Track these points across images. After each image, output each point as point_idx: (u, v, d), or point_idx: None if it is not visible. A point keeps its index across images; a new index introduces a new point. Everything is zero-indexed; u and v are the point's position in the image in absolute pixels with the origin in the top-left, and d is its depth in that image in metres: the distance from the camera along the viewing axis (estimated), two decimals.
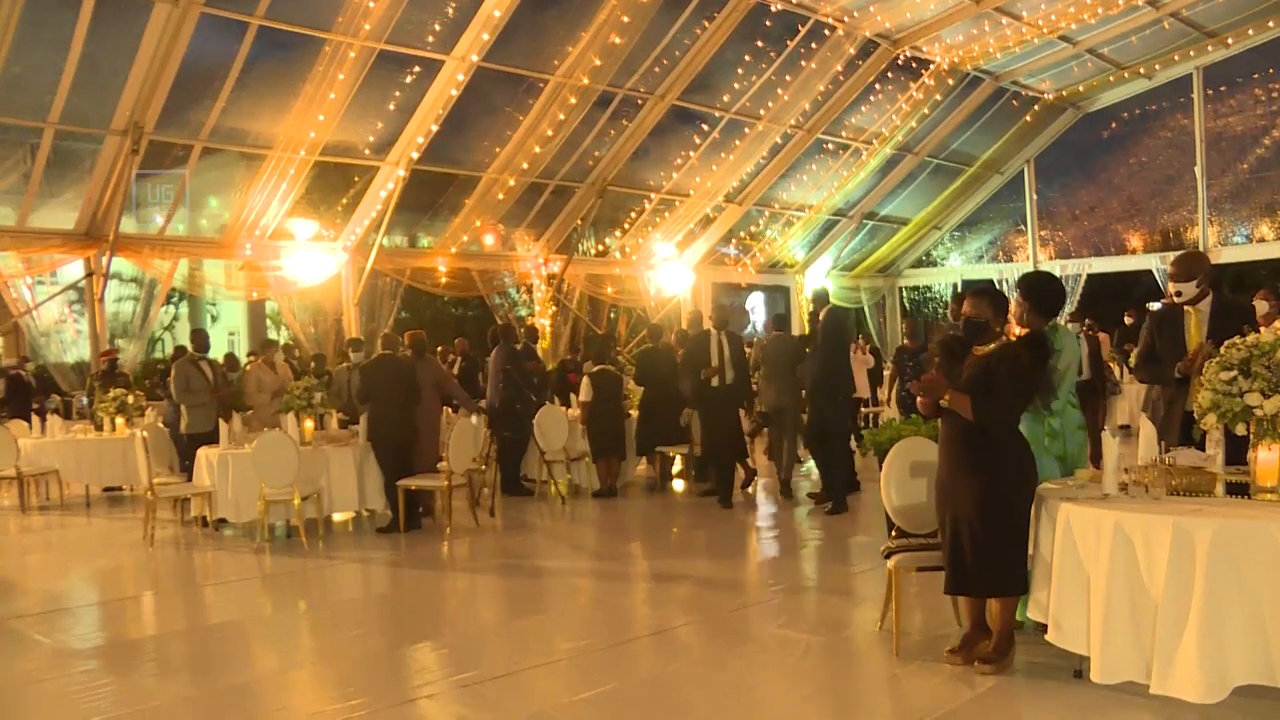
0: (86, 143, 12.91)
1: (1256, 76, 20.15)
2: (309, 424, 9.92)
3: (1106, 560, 4.28)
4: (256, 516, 9.18)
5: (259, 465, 8.93)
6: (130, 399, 12.34)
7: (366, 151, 14.72)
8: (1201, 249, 19.99)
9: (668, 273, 19.74)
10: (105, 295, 13.82)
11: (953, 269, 24.67)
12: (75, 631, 6.69)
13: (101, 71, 12.23)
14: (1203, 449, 4.86)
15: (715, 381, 10.44)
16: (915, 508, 5.69)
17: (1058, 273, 22.17)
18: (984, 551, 4.86)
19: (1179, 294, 5.88)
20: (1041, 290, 5.24)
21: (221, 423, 10.07)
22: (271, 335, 21.21)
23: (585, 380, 11.54)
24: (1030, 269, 22.83)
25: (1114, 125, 22.22)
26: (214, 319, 28.01)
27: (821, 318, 9.91)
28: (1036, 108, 21.56)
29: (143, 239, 14.07)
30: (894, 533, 5.90)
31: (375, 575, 8.08)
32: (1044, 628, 4.73)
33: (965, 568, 4.94)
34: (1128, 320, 17.66)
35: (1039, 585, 4.80)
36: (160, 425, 11.45)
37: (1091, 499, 4.56)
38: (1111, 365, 16.23)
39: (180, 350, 13.26)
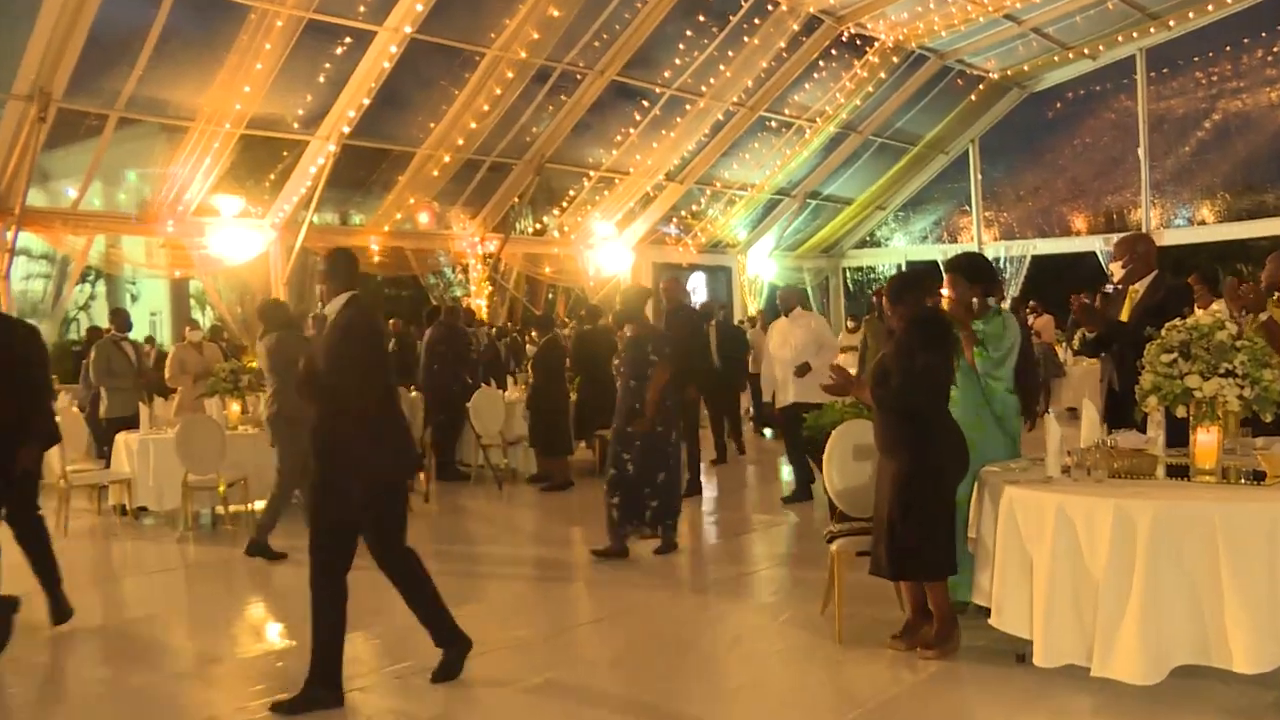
0: None
1: (1197, 60, 20.50)
2: (235, 407, 9.75)
3: (1049, 543, 4.34)
4: (179, 504, 9.00)
5: (183, 451, 8.75)
6: None
7: (295, 125, 14.42)
8: (1144, 231, 20.39)
9: (607, 252, 19.68)
10: (11, 272, 13.37)
11: (897, 249, 24.87)
12: None
13: None
14: (1144, 431, 4.95)
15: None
16: (858, 491, 5.74)
17: (1002, 254, 22.49)
18: (898, 535, 4.94)
19: (1112, 274, 6.07)
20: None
21: (143, 407, 9.85)
22: (196, 316, 20.79)
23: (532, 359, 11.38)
24: (974, 249, 23.15)
25: (1059, 105, 22.49)
26: (134, 299, 27.38)
27: None
28: (981, 87, 21.78)
29: (53, 213, 13.59)
30: (836, 516, 5.95)
31: (304, 565, 7.92)
32: (988, 611, 4.78)
33: (880, 550, 5.03)
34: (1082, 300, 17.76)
35: (981, 568, 4.86)
36: (75, 409, 11.18)
37: (1034, 482, 4.62)
38: (1056, 347, 16.48)
39: (96, 331, 12.93)
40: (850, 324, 15.33)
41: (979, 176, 23.59)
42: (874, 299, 11.13)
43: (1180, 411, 4.50)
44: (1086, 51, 20.96)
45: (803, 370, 9.19)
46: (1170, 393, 4.45)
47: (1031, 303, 17.60)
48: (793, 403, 9.35)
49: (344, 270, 5.05)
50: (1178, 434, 4.78)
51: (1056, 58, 21.14)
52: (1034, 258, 22.49)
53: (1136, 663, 4.08)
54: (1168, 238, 20.75)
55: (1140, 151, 21.15)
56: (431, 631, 5.08)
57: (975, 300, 5.53)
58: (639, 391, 7.52)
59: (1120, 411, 5.44)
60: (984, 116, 22.91)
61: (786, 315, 9.74)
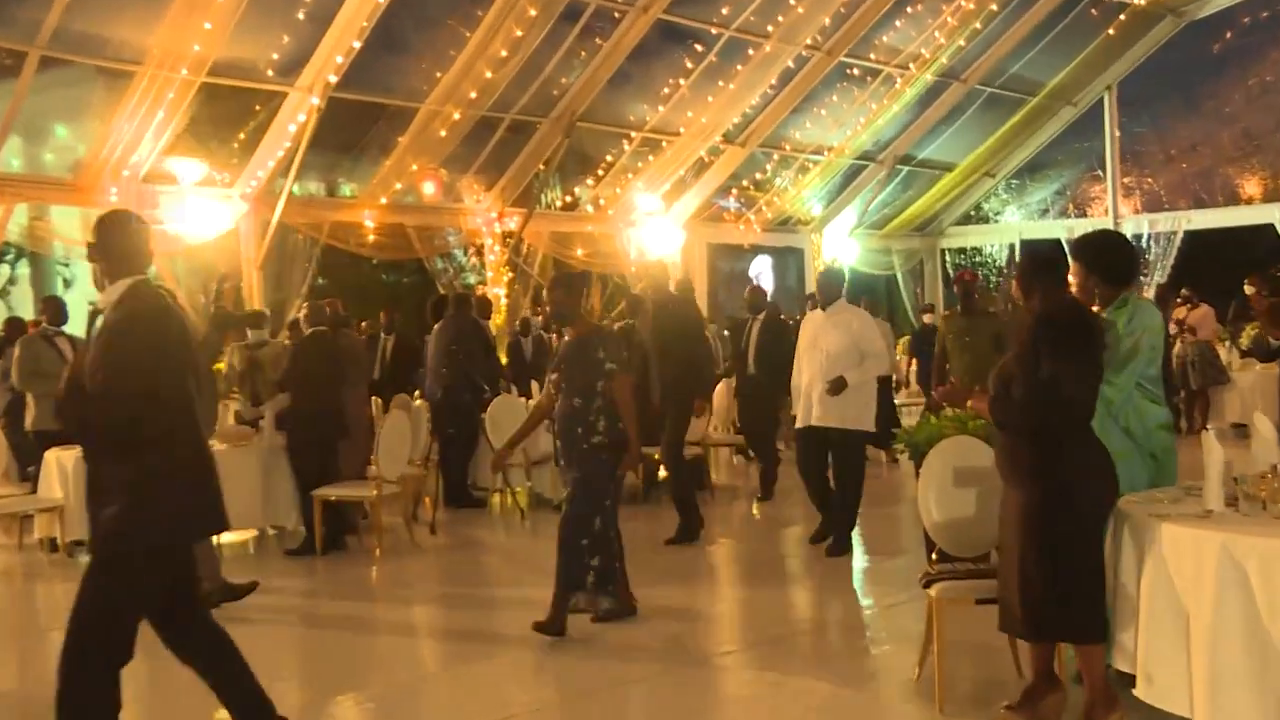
0: None
1: None
2: None
3: (1211, 594, 4.23)
4: None
5: None
6: None
7: (270, 73, 14.50)
8: None
9: (652, 230, 19.71)
10: None
11: (1009, 226, 24.73)
12: None
13: None
14: None
15: None
16: (962, 524, 5.71)
17: (1145, 230, 22.16)
18: (1032, 584, 4.84)
19: None
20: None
21: None
22: None
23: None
24: (1108, 226, 22.86)
25: (1228, 36, 21.66)
26: (67, 283, 27.68)
27: None
28: (1123, 17, 21.33)
29: None
30: (934, 555, 5.89)
31: (285, 609, 7.96)
32: (1131, 679, 4.67)
33: (1009, 602, 4.95)
34: (1248, 289, 16.87)
35: (1123, 625, 4.75)
36: None
37: (1189, 516, 4.53)
38: (1218, 348, 16.11)
39: (18, 323, 13.00)
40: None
41: (1116, 133, 23.29)
42: (955, 288, 10.83)
43: None
44: None
45: (837, 387, 8.59)
46: None
47: (1184, 291, 17.20)
48: (811, 425, 8.84)
49: (122, 244, 4.30)
50: None
51: None
52: (1188, 234, 22.15)
53: None
54: None
55: None
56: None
57: (1097, 290, 5.44)
58: (585, 413, 6.84)
59: None
60: (1125, 56, 22.55)
61: (825, 309, 9.13)
